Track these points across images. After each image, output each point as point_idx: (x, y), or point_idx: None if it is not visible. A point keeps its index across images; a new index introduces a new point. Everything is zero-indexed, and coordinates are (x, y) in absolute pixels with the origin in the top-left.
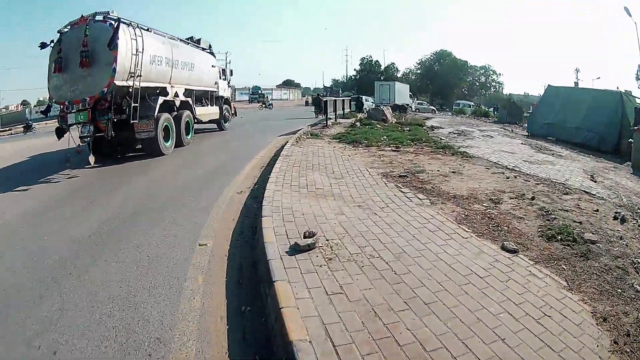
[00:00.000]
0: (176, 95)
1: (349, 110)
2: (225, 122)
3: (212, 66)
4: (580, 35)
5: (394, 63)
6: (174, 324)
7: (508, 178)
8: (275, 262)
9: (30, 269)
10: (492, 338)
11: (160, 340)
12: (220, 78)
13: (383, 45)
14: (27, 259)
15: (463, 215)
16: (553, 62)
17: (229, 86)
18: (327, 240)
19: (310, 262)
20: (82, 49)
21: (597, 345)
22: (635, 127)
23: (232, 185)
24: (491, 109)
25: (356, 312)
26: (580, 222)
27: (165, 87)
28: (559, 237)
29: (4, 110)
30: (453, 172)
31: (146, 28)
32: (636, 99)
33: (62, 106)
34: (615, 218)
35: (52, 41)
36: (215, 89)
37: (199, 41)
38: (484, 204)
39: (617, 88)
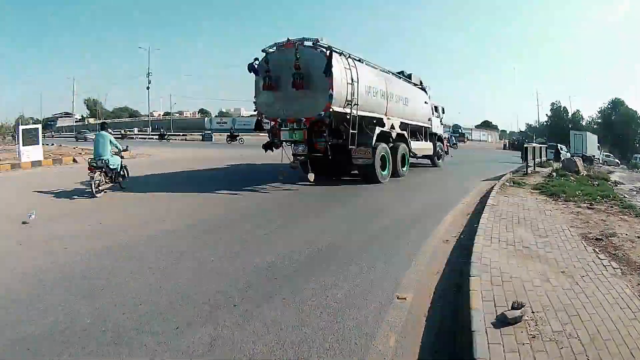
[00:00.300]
0: (392, 127)
1: (545, 158)
2: (438, 159)
3: (425, 102)
4: None
5: (579, 110)
6: None
7: None
8: (479, 336)
9: (193, 287)
10: None
11: None
12: (432, 114)
13: (569, 89)
14: (193, 277)
15: None
16: None
17: (441, 124)
18: (533, 312)
19: (514, 339)
20: (295, 72)
21: None
22: None
23: (438, 231)
24: None
25: None
26: None
27: (382, 119)
28: None
29: (176, 114)
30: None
31: (358, 58)
32: None
33: (274, 122)
34: None
35: (255, 59)
36: (428, 125)
37: (409, 76)
38: None
39: None
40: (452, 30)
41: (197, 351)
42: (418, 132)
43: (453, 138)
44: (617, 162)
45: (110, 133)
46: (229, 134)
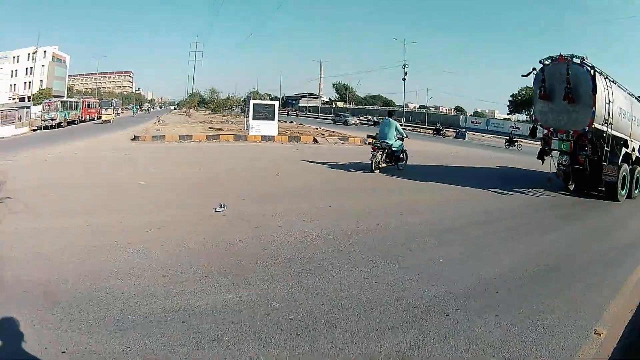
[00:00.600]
0: (633, 149)
1: None
2: None
3: None
4: None
5: None
6: None
7: None
8: None
9: (410, 288)
10: None
11: None
12: None
13: None
14: (415, 275)
15: None
16: None
17: None
18: None
19: None
20: (567, 86)
21: None
22: None
23: None
24: None
25: None
26: None
27: (627, 140)
28: None
29: (432, 108)
30: None
31: (612, 80)
32: None
33: (547, 131)
34: None
35: (533, 69)
36: None
37: None
38: None
39: None
40: None
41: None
42: None
43: None
44: None
45: (396, 120)
46: (507, 137)
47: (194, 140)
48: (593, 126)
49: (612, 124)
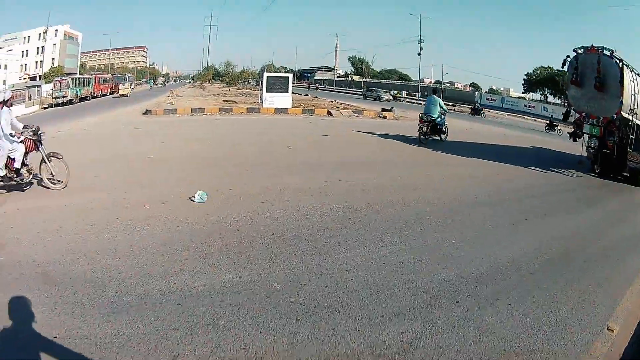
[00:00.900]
0: None
1: None
2: None
3: None
4: None
5: None
6: None
7: None
8: None
9: (420, 270)
10: None
11: None
12: None
13: None
14: (424, 258)
15: None
16: None
17: None
18: None
19: None
20: (597, 75)
21: None
22: None
23: None
24: None
25: None
26: None
27: None
28: None
29: (447, 84)
30: None
31: (637, 73)
32: None
33: (579, 115)
34: None
35: (567, 56)
36: None
37: None
38: None
39: None
40: None
41: (392, 349)
42: None
43: None
44: None
45: (439, 97)
46: (547, 122)
47: (206, 113)
48: (621, 114)
49: (637, 113)
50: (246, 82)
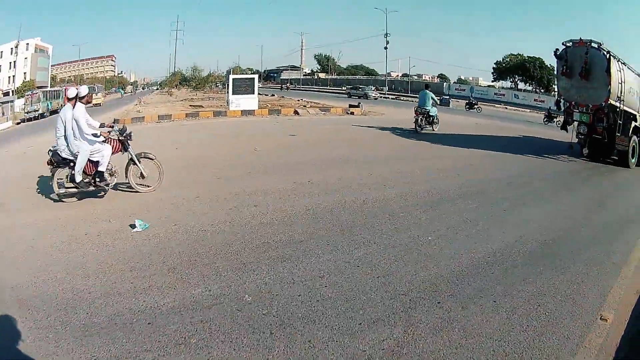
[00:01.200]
0: None
1: None
2: None
3: None
4: None
5: None
6: None
7: None
8: None
9: (395, 271)
10: None
11: None
12: None
13: None
14: (402, 258)
15: None
16: None
17: None
18: None
19: None
20: (583, 65)
21: None
22: None
23: None
24: None
25: None
26: None
27: (636, 115)
28: None
29: (415, 77)
30: None
31: (623, 62)
32: None
33: (569, 104)
34: None
35: (557, 49)
36: None
37: None
38: None
39: None
40: None
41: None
42: None
43: None
44: None
45: (430, 91)
46: (546, 113)
47: (173, 119)
48: (609, 102)
49: (623, 100)
50: (213, 86)
